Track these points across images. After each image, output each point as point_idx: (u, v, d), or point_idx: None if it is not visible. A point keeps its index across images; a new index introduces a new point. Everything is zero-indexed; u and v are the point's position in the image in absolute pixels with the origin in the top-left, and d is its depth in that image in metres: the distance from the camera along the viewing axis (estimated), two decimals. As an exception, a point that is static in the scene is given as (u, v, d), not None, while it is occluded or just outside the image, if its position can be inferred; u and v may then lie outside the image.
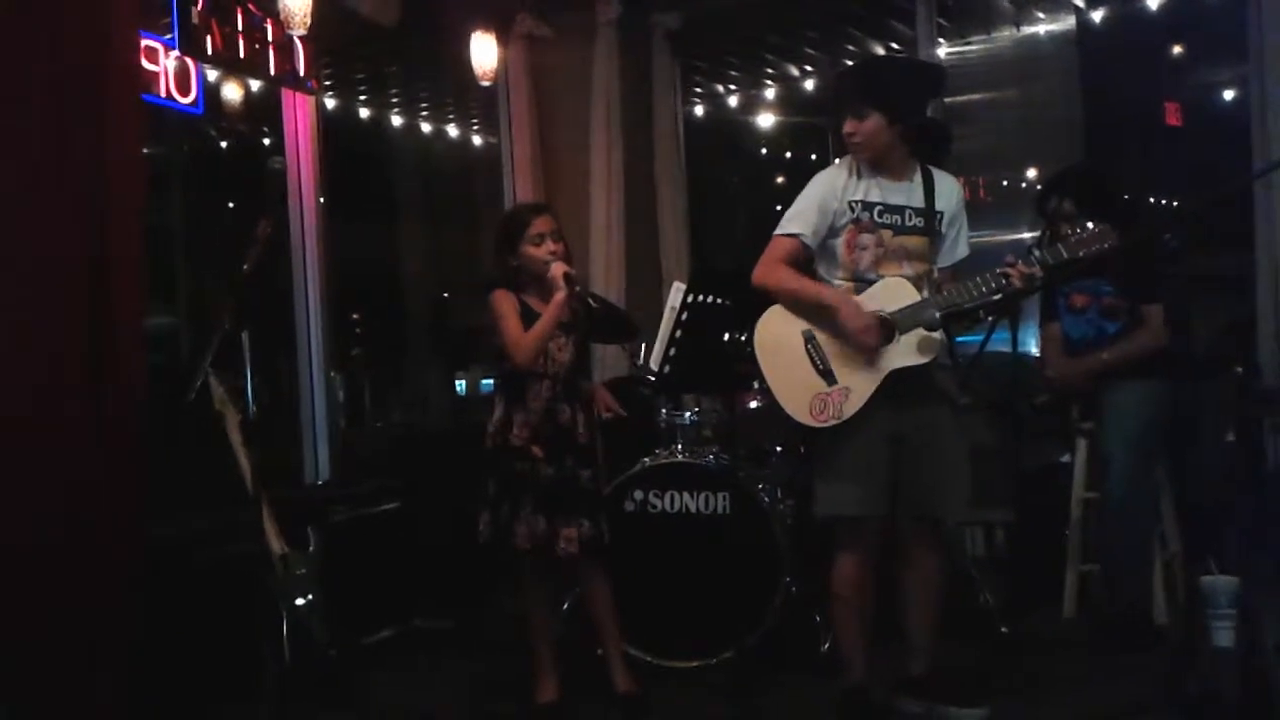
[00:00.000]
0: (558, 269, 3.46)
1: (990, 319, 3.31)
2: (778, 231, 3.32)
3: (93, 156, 3.40)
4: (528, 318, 3.48)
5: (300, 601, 3.58)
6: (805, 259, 3.32)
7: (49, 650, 3.19)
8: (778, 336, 3.31)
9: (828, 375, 3.22)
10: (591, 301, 3.64)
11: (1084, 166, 4.96)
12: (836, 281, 3.30)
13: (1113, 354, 4.05)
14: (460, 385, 8.77)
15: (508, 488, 3.50)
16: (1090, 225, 3.15)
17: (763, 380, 3.34)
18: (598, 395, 3.72)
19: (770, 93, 7.00)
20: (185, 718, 3.44)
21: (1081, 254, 3.06)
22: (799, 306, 3.28)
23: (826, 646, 3.77)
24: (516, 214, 3.72)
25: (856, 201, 3.24)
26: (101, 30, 3.45)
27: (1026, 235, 5.91)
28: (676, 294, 4.05)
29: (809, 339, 3.25)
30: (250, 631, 3.38)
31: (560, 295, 3.43)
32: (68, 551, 3.24)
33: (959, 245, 3.32)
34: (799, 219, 3.29)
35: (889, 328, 3.17)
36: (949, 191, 3.31)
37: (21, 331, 3.22)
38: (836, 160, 3.39)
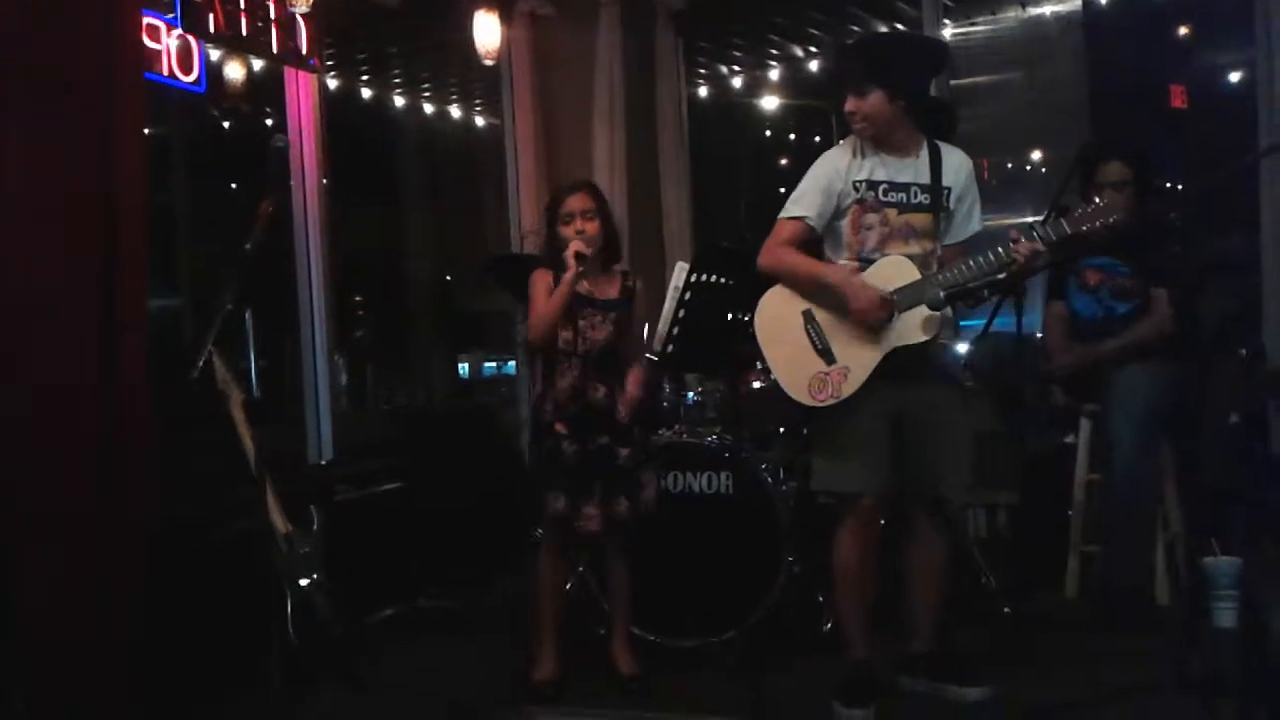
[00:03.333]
0: (571, 248, 3.46)
1: (995, 298, 3.30)
2: (782, 215, 3.31)
3: (97, 137, 3.39)
4: None
5: (304, 581, 3.59)
6: (811, 240, 3.31)
7: (55, 636, 3.20)
8: (777, 316, 3.31)
9: (826, 354, 3.22)
10: (630, 283, 3.64)
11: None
12: (841, 263, 3.29)
13: (1118, 343, 4.04)
14: (463, 368, 8.79)
15: (536, 465, 3.54)
16: (1099, 200, 3.12)
17: (763, 360, 3.34)
18: (628, 379, 3.62)
19: (774, 74, 6.99)
20: (190, 698, 3.45)
21: (1085, 228, 3.04)
22: (803, 287, 3.27)
23: (829, 626, 3.77)
24: (555, 192, 3.73)
25: (861, 181, 3.23)
26: (105, 8, 3.43)
27: (1031, 218, 5.89)
28: (680, 274, 4.04)
29: (808, 318, 3.25)
30: (255, 611, 3.37)
31: (567, 275, 3.44)
32: (74, 540, 3.24)
33: (970, 220, 3.31)
34: (803, 201, 3.29)
35: (888, 306, 3.17)
36: (957, 166, 3.29)
37: (30, 321, 3.21)
38: (841, 141, 3.37)
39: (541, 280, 3.54)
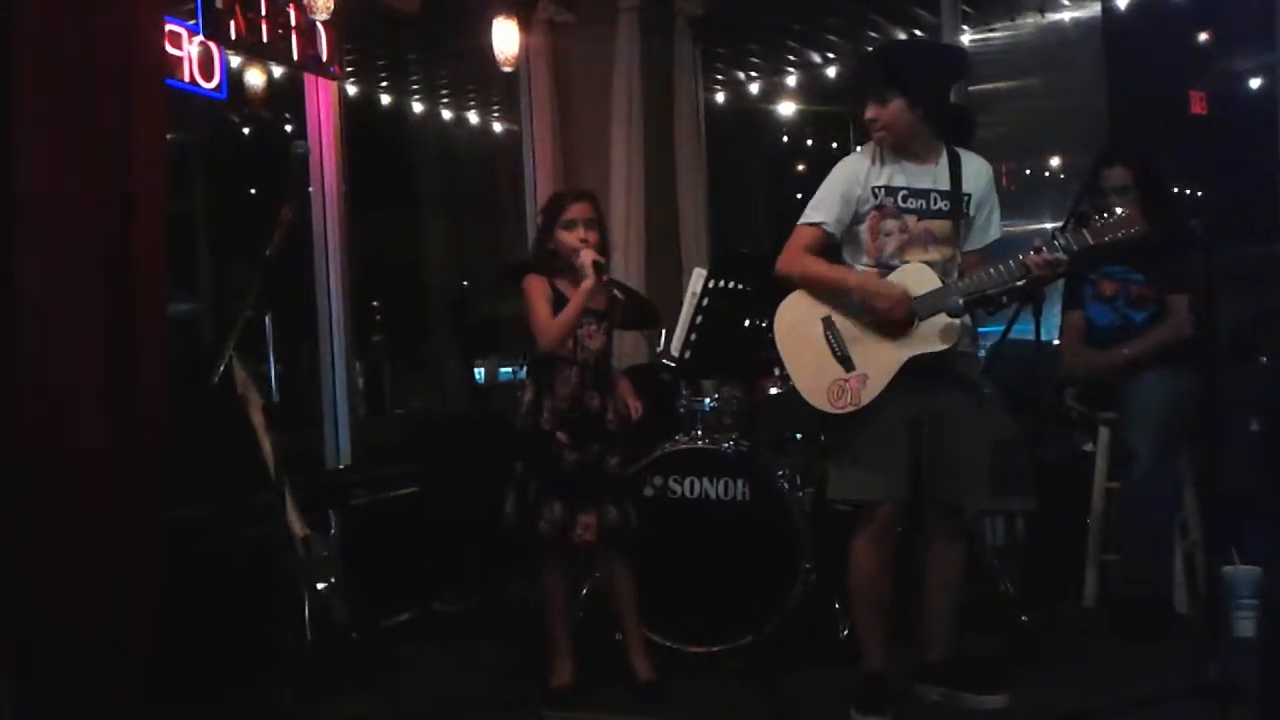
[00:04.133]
0: (587, 255, 3.45)
1: (1014, 306, 3.29)
2: (801, 221, 3.32)
3: (118, 142, 3.41)
4: (558, 303, 3.48)
5: (321, 585, 3.60)
6: (829, 247, 3.31)
7: (70, 636, 3.22)
8: (797, 322, 3.31)
9: (845, 361, 3.22)
10: (617, 293, 3.65)
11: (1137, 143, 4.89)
12: (860, 268, 3.29)
13: (1134, 349, 4.03)
14: (479, 374, 8.80)
15: (534, 471, 3.52)
16: (1120, 210, 3.11)
17: (782, 366, 3.34)
18: (620, 388, 3.70)
19: (792, 80, 6.99)
20: (207, 700, 3.47)
21: (1107, 239, 3.03)
22: (824, 292, 3.27)
23: (845, 633, 3.77)
24: (556, 198, 3.72)
25: (880, 187, 3.23)
26: (126, 15, 3.46)
27: (1050, 225, 5.87)
28: (697, 280, 4.05)
29: (828, 325, 3.25)
30: (271, 614, 3.39)
31: (587, 282, 3.43)
32: (85, 541, 3.26)
33: (990, 227, 3.31)
34: (821, 207, 3.28)
35: (909, 312, 3.16)
36: (977, 173, 3.29)
37: (44, 321, 3.23)
38: (859, 147, 3.37)
39: (539, 286, 3.52)
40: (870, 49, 6.09)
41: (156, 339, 3.50)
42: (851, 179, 3.26)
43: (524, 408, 3.57)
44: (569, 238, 3.52)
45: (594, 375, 3.55)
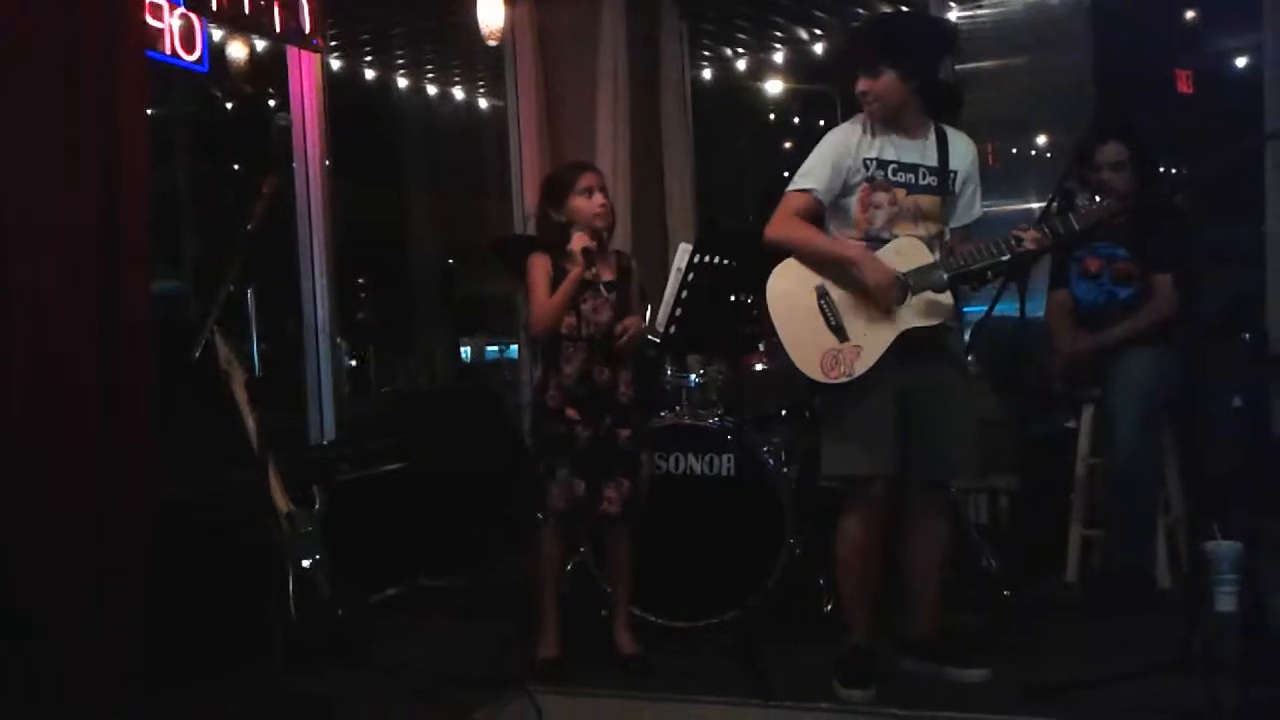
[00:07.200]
0: (577, 242, 3.45)
1: (999, 281, 3.30)
2: (791, 187, 3.29)
3: (100, 116, 3.38)
4: (560, 281, 3.47)
5: (306, 560, 3.59)
6: (818, 215, 3.30)
7: (62, 614, 3.21)
8: (789, 292, 3.29)
9: (839, 331, 3.21)
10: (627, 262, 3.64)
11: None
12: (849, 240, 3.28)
13: (1121, 331, 4.04)
14: (465, 351, 8.79)
15: (543, 449, 3.52)
16: (1100, 199, 3.14)
17: (774, 334, 3.32)
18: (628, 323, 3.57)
19: (779, 56, 6.96)
20: (193, 677, 3.46)
21: (1094, 224, 3.08)
22: (815, 261, 3.26)
23: (829, 608, 3.78)
24: (566, 170, 3.69)
25: (871, 159, 3.22)
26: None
27: (1035, 205, 5.87)
28: (682, 255, 4.04)
29: (821, 294, 3.24)
30: (257, 590, 3.38)
31: (575, 272, 3.43)
32: (81, 519, 3.26)
33: (973, 206, 3.31)
34: (812, 175, 3.26)
35: (903, 287, 3.16)
36: (963, 151, 3.28)
37: (33, 300, 3.21)
38: (851, 119, 3.36)
39: (540, 265, 3.51)
40: (860, 22, 6.06)
41: (140, 315, 3.47)
42: (843, 149, 3.24)
43: (534, 385, 3.58)
44: (587, 205, 3.51)
45: (602, 349, 3.53)
